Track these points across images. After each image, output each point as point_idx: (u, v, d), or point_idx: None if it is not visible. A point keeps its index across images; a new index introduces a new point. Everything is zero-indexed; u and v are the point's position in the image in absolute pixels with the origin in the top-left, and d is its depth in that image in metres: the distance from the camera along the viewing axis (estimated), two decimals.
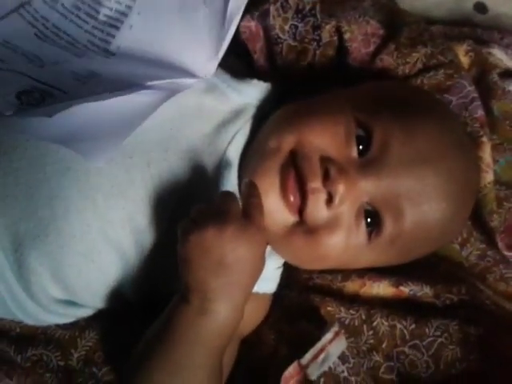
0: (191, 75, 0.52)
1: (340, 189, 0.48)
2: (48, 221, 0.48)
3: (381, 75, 0.64)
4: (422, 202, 0.50)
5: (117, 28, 0.55)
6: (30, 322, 0.52)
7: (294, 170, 0.49)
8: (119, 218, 0.49)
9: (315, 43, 0.62)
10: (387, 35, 0.65)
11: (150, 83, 0.50)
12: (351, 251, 0.51)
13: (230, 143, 0.53)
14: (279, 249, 0.53)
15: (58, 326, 0.54)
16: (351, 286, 0.57)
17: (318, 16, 0.62)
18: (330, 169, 0.48)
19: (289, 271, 0.58)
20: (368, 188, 0.49)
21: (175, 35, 0.54)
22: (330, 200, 0.48)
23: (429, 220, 0.51)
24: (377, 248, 0.51)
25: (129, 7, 0.55)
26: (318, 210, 0.48)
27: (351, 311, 0.55)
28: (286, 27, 0.62)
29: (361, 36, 0.64)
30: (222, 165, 0.52)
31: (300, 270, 0.58)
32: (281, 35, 0.62)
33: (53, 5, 0.57)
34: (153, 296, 0.53)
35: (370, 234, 0.51)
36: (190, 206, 0.48)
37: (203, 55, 0.53)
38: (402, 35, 0.64)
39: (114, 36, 0.55)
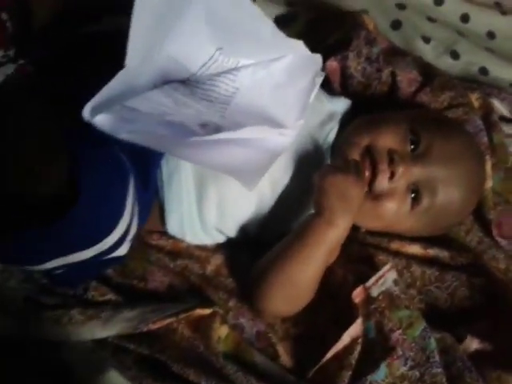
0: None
1: (400, 170, 0.74)
2: None
3: (419, 107, 0.91)
4: (450, 187, 0.76)
5: (228, 104, 0.68)
6: (192, 240, 0.76)
7: (369, 157, 0.75)
8: None
9: (377, 81, 0.90)
10: (423, 81, 0.93)
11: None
12: (399, 214, 0.76)
13: (327, 136, 0.80)
14: None
15: (196, 246, 0.78)
16: (394, 245, 0.82)
17: (381, 63, 0.90)
18: (394, 156, 0.74)
19: (351, 233, 0.80)
20: (416, 172, 0.75)
21: (270, 108, 0.70)
22: (391, 177, 0.74)
23: (452, 200, 0.77)
24: (415, 215, 0.77)
25: (234, 91, 0.69)
26: (383, 182, 0.74)
27: (396, 260, 0.80)
28: (359, 68, 0.89)
29: (406, 80, 0.91)
30: (324, 148, 0.79)
31: (359, 232, 0.83)
32: (354, 74, 0.89)
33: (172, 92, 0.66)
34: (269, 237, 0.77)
35: (412, 205, 0.76)
36: (302, 169, 0.74)
37: (293, 119, 0.71)
38: (434, 82, 0.92)
39: (225, 109, 0.67)
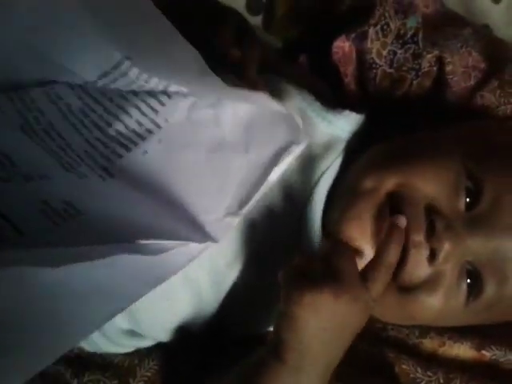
0: (200, 234, 0.42)
1: (446, 247, 0.44)
2: None
3: (479, 113, 0.59)
4: None
5: (127, 149, 0.45)
6: (90, 350, 0.50)
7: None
8: (200, 257, 0.45)
9: (414, 72, 0.58)
10: (489, 69, 0.60)
11: (144, 241, 0.40)
12: (446, 312, 0.47)
13: (317, 184, 0.49)
14: None
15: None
16: (429, 343, 0.53)
17: (420, 43, 0.57)
18: (436, 222, 0.44)
19: None
20: (474, 247, 0.45)
21: (196, 178, 0.44)
22: (432, 257, 0.44)
23: None
24: (472, 311, 0.47)
25: (149, 131, 0.45)
26: (418, 266, 0.44)
27: (429, 373, 0.51)
28: (384, 52, 0.57)
29: (462, 68, 0.59)
30: (308, 207, 0.49)
31: (372, 318, 0.54)
32: (377, 60, 0.57)
33: (55, 100, 0.46)
34: (219, 332, 0.49)
35: (468, 296, 0.47)
36: (275, 249, 0.44)
37: (222, 208, 0.44)
38: (505, 72, 0.60)
39: (120, 156, 0.44)
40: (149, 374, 0.51)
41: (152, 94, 0.44)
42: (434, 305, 0.46)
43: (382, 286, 0.43)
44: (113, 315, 0.40)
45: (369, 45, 0.57)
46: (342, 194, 0.49)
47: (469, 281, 0.47)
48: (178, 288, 0.46)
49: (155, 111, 0.44)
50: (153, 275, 0.40)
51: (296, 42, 0.64)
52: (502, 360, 0.53)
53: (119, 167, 0.43)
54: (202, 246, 0.41)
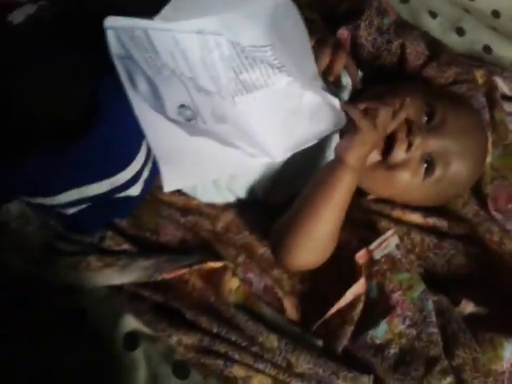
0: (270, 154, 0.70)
1: (417, 141, 0.76)
2: None
3: (425, 81, 0.93)
4: (461, 159, 0.78)
5: (247, 90, 0.63)
6: (201, 197, 0.79)
7: None
8: None
9: (386, 52, 0.91)
10: (430, 55, 0.95)
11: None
12: (411, 184, 0.78)
13: None
14: (364, 177, 0.78)
15: (206, 204, 0.80)
16: (396, 213, 0.85)
17: (392, 34, 0.91)
18: (412, 127, 0.76)
19: (355, 200, 0.82)
20: (431, 144, 0.77)
21: (275, 124, 0.67)
22: (408, 148, 0.76)
23: (462, 172, 0.80)
24: (426, 185, 0.79)
25: (262, 86, 0.64)
26: (400, 152, 0.76)
27: (397, 227, 0.83)
28: (369, 38, 0.91)
29: (414, 52, 0.93)
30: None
31: (363, 199, 0.85)
32: (364, 43, 0.91)
33: (211, 45, 0.61)
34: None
35: (425, 175, 0.78)
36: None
37: (284, 148, 0.70)
38: (441, 57, 0.94)
39: (242, 93, 0.63)
40: (228, 219, 0.79)
41: (272, 65, 0.64)
42: (406, 177, 0.77)
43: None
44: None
45: (360, 33, 0.90)
46: None
47: (426, 166, 0.78)
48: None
49: (269, 76, 0.63)
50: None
51: None
52: (438, 225, 0.86)
53: (239, 100, 0.63)
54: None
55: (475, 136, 0.80)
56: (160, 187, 0.78)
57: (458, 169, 0.79)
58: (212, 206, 0.80)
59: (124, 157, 0.66)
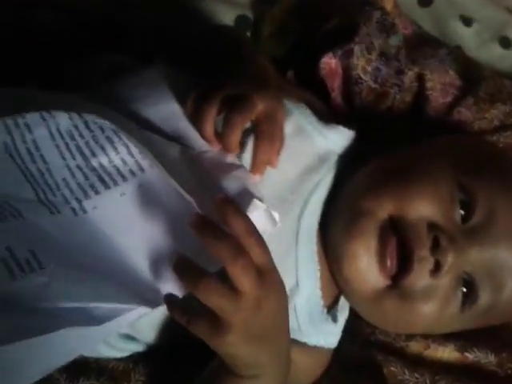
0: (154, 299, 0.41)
1: (450, 259, 0.46)
2: None
3: (456, 128, 0.62)
4: None
5: (106, 186, 0.43)
6: (86, 354, 0.49)
7: (396, 236, 0.47)
8: None
9: (396, 88, 0.60)
10: (464, 87, 0.64)
11: (95, 304, 0.39)
12: (442, 319, 0.49)
13: (312, 193, 0.50)
14: (364, 310, 0.51)
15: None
16: (415, 346, 0.55)
17: (403, 61, 0.60)
18: (440, 237, 0.46)
19: (350, 324, 0.55)
20: (472, 257, 0.47)
21: (155, 239, 0.42)
22: (436, 269, 0.46)
23: None
24: (466, 318, 0.49)
25: (132, 173, 0.43)
26: (420, 277, 0.46)
27: (416, 374, 0.53)
28: (369, 68, 0.60)
29: (440, 85, 0.62)
30: (303, 215, 0.50)
31: (362, 323, 0.56)
32: (362, 76, 0.60)
33: (46, 117, 0.43)
34: None
35: (463, 304, 0.48)
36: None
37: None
38: (480, 89, 0.63)
39: (98, 192, 0.43)
40: (143, 378, 0.51)
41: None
42: (431, 312, 0.47)
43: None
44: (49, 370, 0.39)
45: (355, 61, 0.60)
46: (340, 211, 0.50)
47: (464, 289, 0.48)
48: None
49: (143, 154, 0.42)
50: (91, 338, 0.40)
51: (282, 59, 0.67)
52: (483, 362, 0.55)
53: (94, 204, 0.42)
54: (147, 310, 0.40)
55: None
56: None
57: None
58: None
59: None
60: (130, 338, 0.50)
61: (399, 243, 0.46)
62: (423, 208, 0.47)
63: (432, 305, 0.47)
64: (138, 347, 0.51)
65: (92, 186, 0.42)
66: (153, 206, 0.42)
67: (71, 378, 0.49)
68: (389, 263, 0.46)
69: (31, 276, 0.39)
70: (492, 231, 0.47)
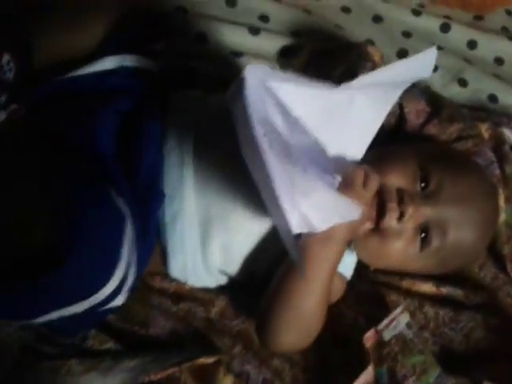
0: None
1: (409, 210, 0.71)
2: (231, 210, 0.70)
3: (427, 139, 0.89)
4: (461, 228, 0.73)
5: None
6: (193, 282, 0.73)
7: (377, 196, 0.72)
8: None
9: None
10: (432, 112, 0.90)
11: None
12: (408, 255, 0.73)
13: None
14: (358, 247, 0.74)
15: (200, 288, 0.75)
16: (406, 283, 0.79)
17: None
18: (404, 196, 0.71)
19: (361, 271, 0.79)
20: (426, 213, 0.72)
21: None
22: (400, 217, 0.71)
23: (464, 241, 0.74)
24: (425, 256, 0.73)
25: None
26: (392, 221, 0.71)
27: (408, 300, 0.77)
28: None
29: (414, 111, 0.89)
30: None
31: (368, 271, 0.80)
32: None
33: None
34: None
35: (422, 246, 0.73)
36: None
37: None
38: (443, 113, 0.90)
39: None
40: (223, 303, 0.74)
41: None
42: (400, 247, 0.71)
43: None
44: None
45: None
46: None
47: (422, 235, 0.73)
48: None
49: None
50: None
51: None
52: (454, 294, 0.79)
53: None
54: None
55: (478, 201, 0.75)
56: (151, 274, 0.74)
57: (458, 237, 0.73)
58: (206, 290, 0.75)
59: (102, 275, 0.63)
60: (221, 272, 0.74)
61: (380, 202, 0.70)
62: (395, 180, 0.71)
63: (401, 242, 0.71)
64: (223, 280, 0.75)
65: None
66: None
67: (176, 302, 0.73)
68: (373, 212, 0.70)
69: None
70: (440, 196, 0.72)
